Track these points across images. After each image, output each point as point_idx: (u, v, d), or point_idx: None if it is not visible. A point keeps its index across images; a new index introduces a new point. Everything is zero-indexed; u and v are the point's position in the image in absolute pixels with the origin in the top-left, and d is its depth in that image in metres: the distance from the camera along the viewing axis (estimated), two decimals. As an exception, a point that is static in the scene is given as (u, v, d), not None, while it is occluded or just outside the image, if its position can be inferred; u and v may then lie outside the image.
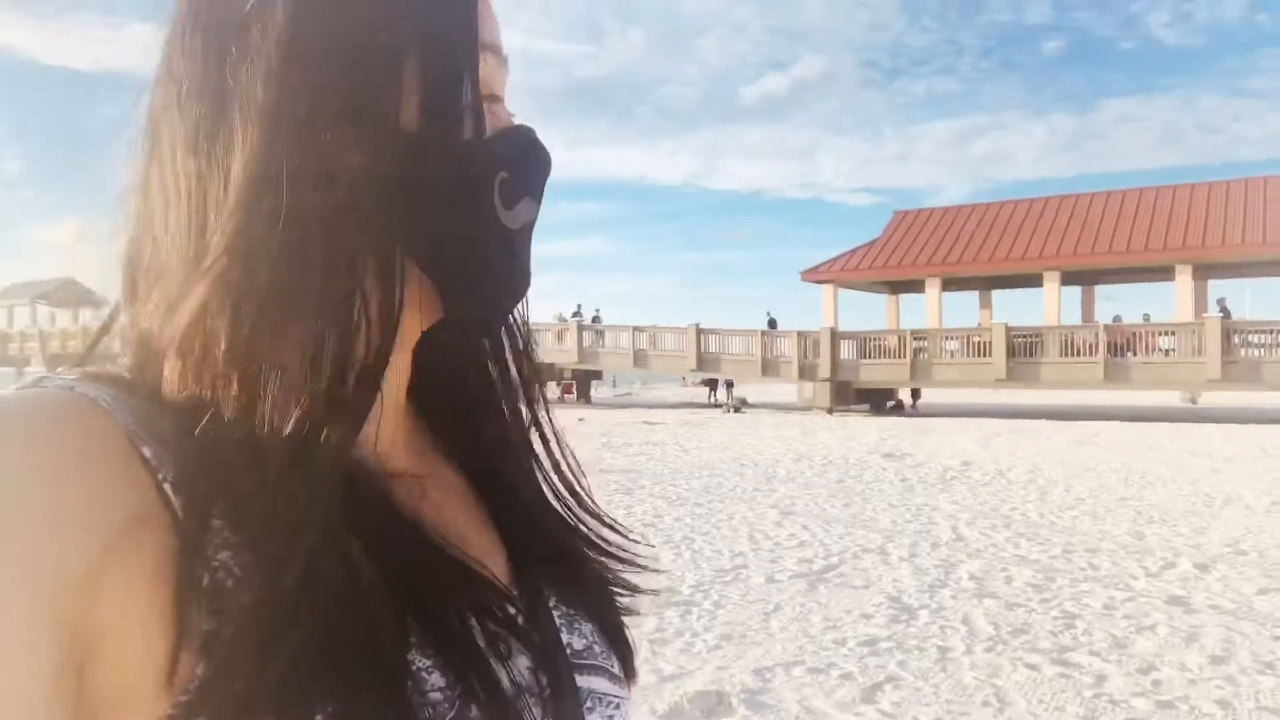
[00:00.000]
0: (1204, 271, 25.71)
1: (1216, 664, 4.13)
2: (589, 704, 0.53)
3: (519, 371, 0.61)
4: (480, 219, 0.49)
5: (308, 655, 0.39)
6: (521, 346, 0.61)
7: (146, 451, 0.40)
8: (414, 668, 0.43)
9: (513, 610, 0.51)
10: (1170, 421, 19.02)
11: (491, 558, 0.54)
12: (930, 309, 28.82)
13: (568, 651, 0.54)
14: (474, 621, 0.47)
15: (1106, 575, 5.83)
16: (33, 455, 0.38)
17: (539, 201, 0.54)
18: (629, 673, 0.59)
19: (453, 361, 0.59)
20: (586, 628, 0.57)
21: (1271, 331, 20.77)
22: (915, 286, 30.42)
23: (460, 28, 0.50)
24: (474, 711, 0.44)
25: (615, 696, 0.56)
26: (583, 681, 0.54)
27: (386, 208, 0.45)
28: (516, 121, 0.54)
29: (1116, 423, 18.54)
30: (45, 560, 0.37)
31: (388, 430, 0.51)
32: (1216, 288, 27.23)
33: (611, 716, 0.55)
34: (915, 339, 25.09)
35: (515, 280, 0.53)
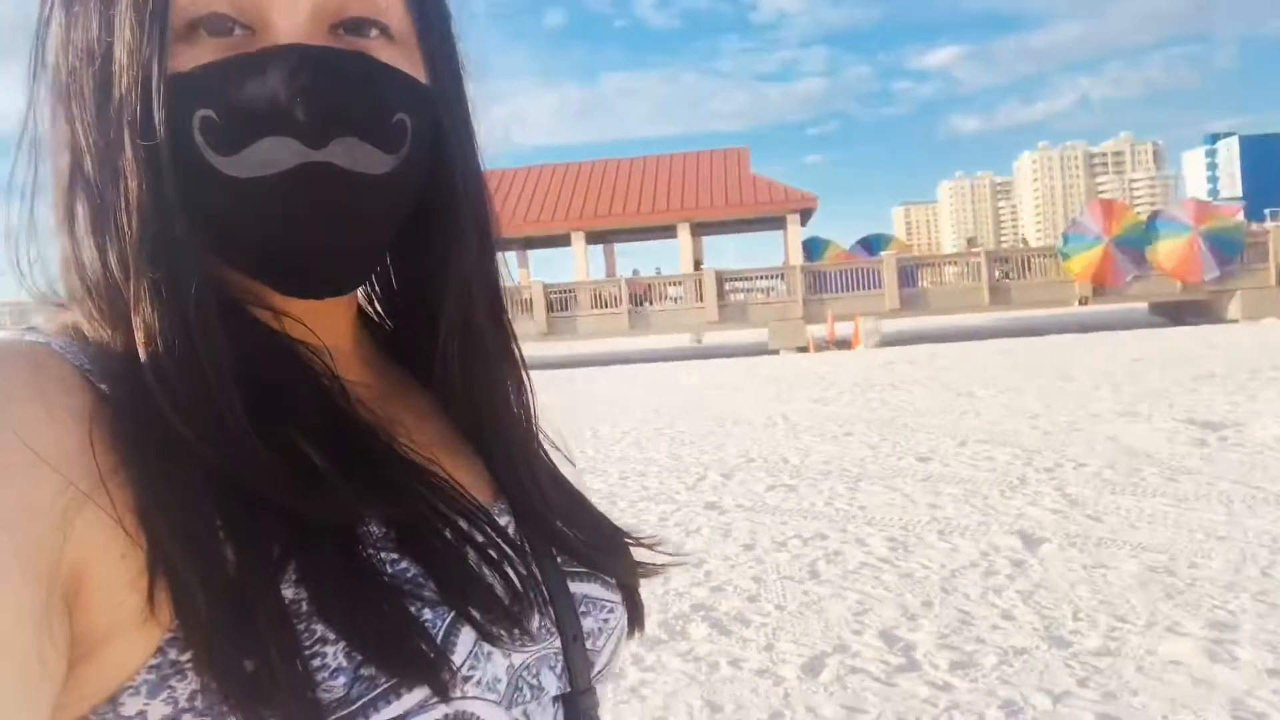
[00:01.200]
0: (699, 229, 29.95)
1: (747, 550, 5.00)
2: (583, 608, 0.55)
3: (480, 320, 0.57)
4: (181, 164, 0.44)
5: (253, 523, 0.41)
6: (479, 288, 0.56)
7: (104, 388, 0.42)
8: (375, 554, 0.45)
9: (499, 520, 0.53)
10: (684, 360, 22.01)
11: (471, 476, 0.55)
12: (471, 271, 29.76)
13: (559, 560, 0.55)
14: (463, 526, 0.49)
15: (656, 493, 6.67)
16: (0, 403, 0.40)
17: (321, 141, 0.45)
18: (635, 613, 0.60)
19: (414, 296, 0.59)
20: (578, 535, 0.58)
21: (752, 278, 25.33)
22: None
23: None
24: (469, 617, 0.45)
25: (608, 601, 0.58)
26: (575, 587, 0.55)
27: (96, 154, 0.45)
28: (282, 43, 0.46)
29: (642, 365, 20.96)
30: (22, 502, 0.38)
31: (339, 353, 0.52)
32: (710, 243, 32.02)
33: (606, 620, 0.57)
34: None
35: (291, 239, 0.47)
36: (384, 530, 0.46)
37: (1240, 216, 24.50)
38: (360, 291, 0.59)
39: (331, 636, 0.41)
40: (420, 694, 0.42)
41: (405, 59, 0.50)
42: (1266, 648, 3.23)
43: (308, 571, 0.42)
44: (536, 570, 0.53)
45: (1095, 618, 3.64)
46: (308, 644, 0.41)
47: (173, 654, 0.40)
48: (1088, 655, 3.30)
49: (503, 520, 0.54)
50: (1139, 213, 24.16)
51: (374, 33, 0.49)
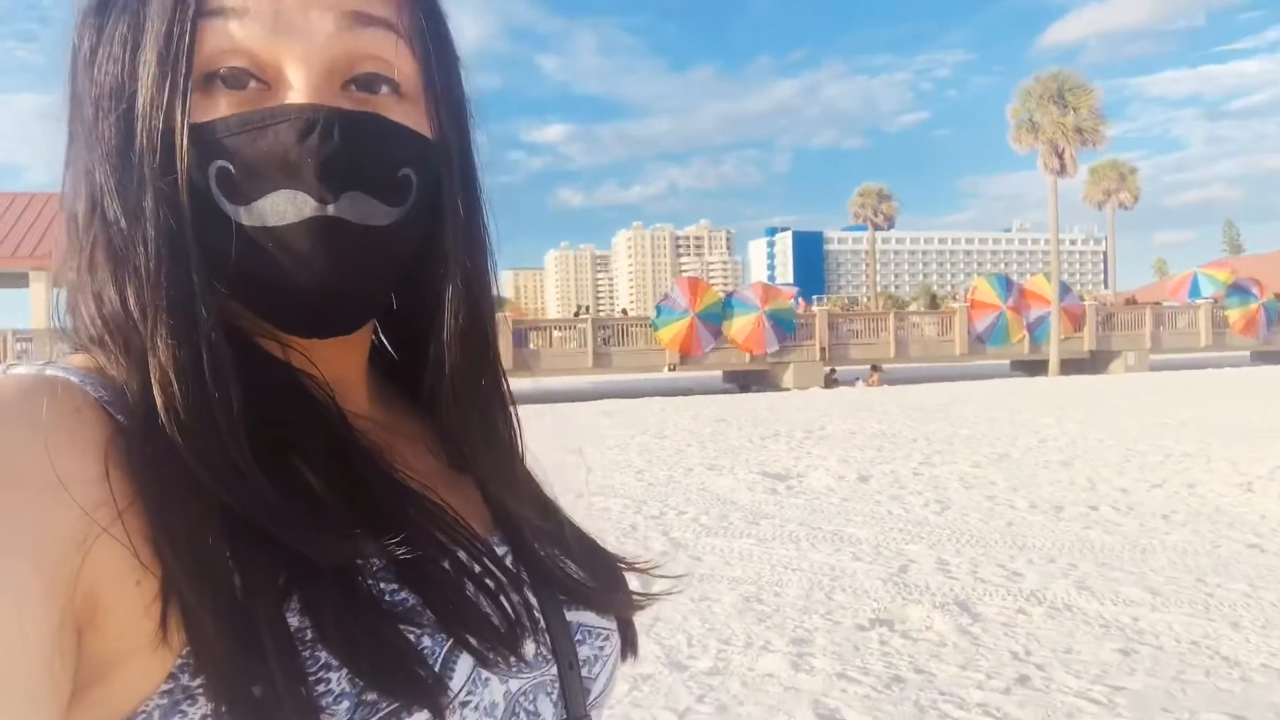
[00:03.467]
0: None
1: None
2: (579, 636, 0.58)
3: (467, 358, 0.59)
4: (197, 212, 0.47)
5: (259, 558, 0.44)
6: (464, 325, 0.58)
7: (120, 420, 0.45)
8: (375, 584, 0.48)
9: (497, 550, 0.56)
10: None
11: (468, 506, 0.58)
12: None
13: (556, 588, 0.58)
14: (461, 557, 0.52)
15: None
16: (19, 431, 0.42)
17: (330, 197, 0.48)
18: (628, 636, 0.64)
19: (411, 339, 0.61)
20: (572, 567, 0.61)
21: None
22: None
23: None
24: (467, 644, 0.48)
25: (604, 629, 0.61)
26: (571, 615, 0.58)
27: (117, 201, 0.48)
28: (295, 101, 0.49)
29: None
30: (45, 526, 0.40)
31: (345, 390, 0.55)
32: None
33: (601, 647, 0.60)
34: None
35: (299, 285, 0.49)
36: (383, 561, 0.48)
37: (794, 300, 29.15)
38: (371, 332, 0.62)
39: (334, 663, 0.44)
40: (420, 717, 0.45)
41: (413, 113, 0.53)
42: (835, 657, 3.97)
43: (310, 601, 0.44)
44: (533, 598, 0.55)
45: (706, 643, 4.18)
46: (312, 670, 0.43)
47: (184, 679, 0.42)
48: (702, 675, 3.79)
49: (500, 550, 0.57)
50: (718, 291, 27.78)
51: (384, 89, 0.52)
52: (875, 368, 27.02)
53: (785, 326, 26.80)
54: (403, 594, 0.48)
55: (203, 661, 0.42)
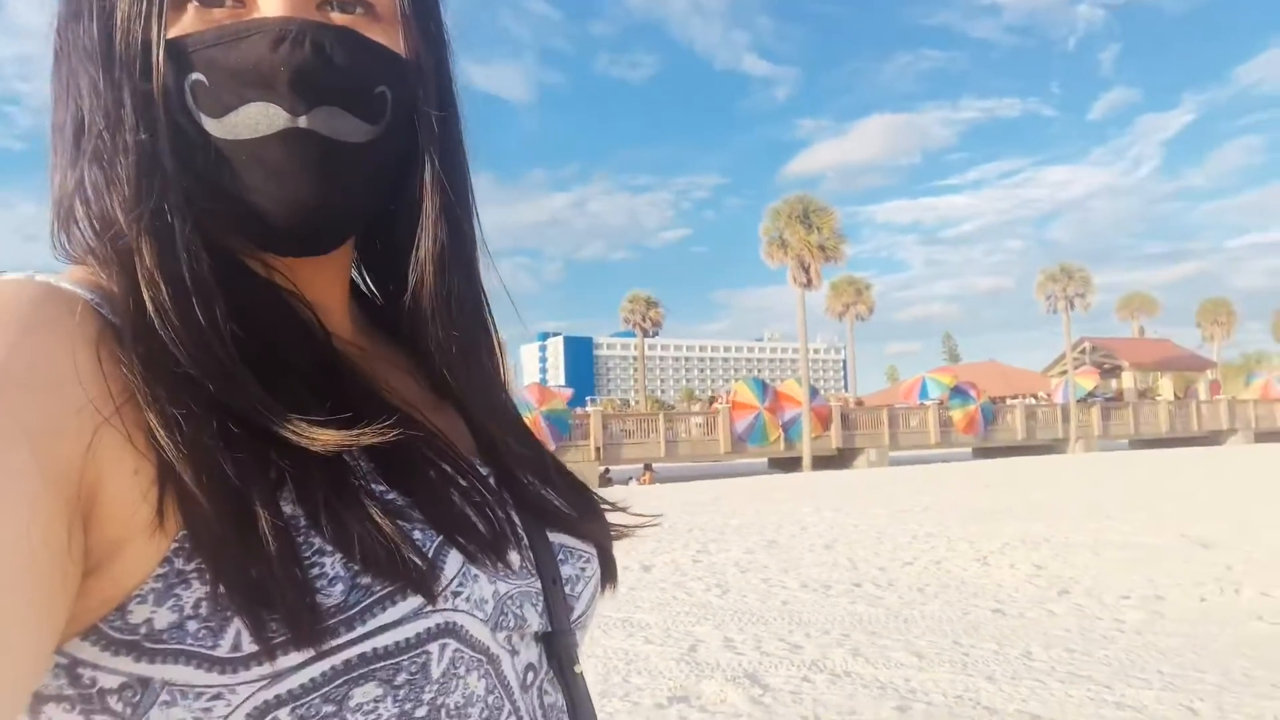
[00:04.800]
0: None
1: None
2: (561, 556, 0.59)
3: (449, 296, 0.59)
4: (173, 125, 0.48)
5: (251, 445, 0.45)
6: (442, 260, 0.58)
7: (112, 319, 0.46)
8: (387, 498, 0.48)
9: (483, 470, 0.57)
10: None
11: (453, 432, 0.58)
12: None
13: (537, 509, 0.59)
14: (447, 469, 0.53)
15: None
16: (14, 331, 0.42)
17: (303, 109, 0.49)
18: (607, 565, 0.65)
19: (397, 259, 0.60)
20: (552, 492, 0.63)
21: None
22: None
23: None
24: (456, 541, 0.49)
25: (584, 551, 0.62)
26: (553, 536, 0.60)
27: (101, 113, 0.49)
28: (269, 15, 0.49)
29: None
30: (46, 420, 0.40)
31: (327, 311, 0.55)
32: None
33: (583, 569, 0.61)
34: None
35: (273, 199, 0.50)
36: (371, 464, 0.49)
37: (568, 402, 29.55)
38: (351, 263, 0.63)
39: (329, 548, 0.44)
40: (414, 602, 0.45)
41: (389, 34, 0.53)
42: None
43: (303, 489, 0.45)
44: (515, 515, 0.57)
45: None
46: (307, 554, 0.44)
47: (179, 563, 0.42)
48: None
49: (484, 471, 0.58)
50: (561, 400, 27.97)
51: (359, 10, 0.52)
52: (647, 467, 27.73)
53: (561, 427, 27.02)
54: (392, 494, 0.49)
55: (200, 544, 0.42)
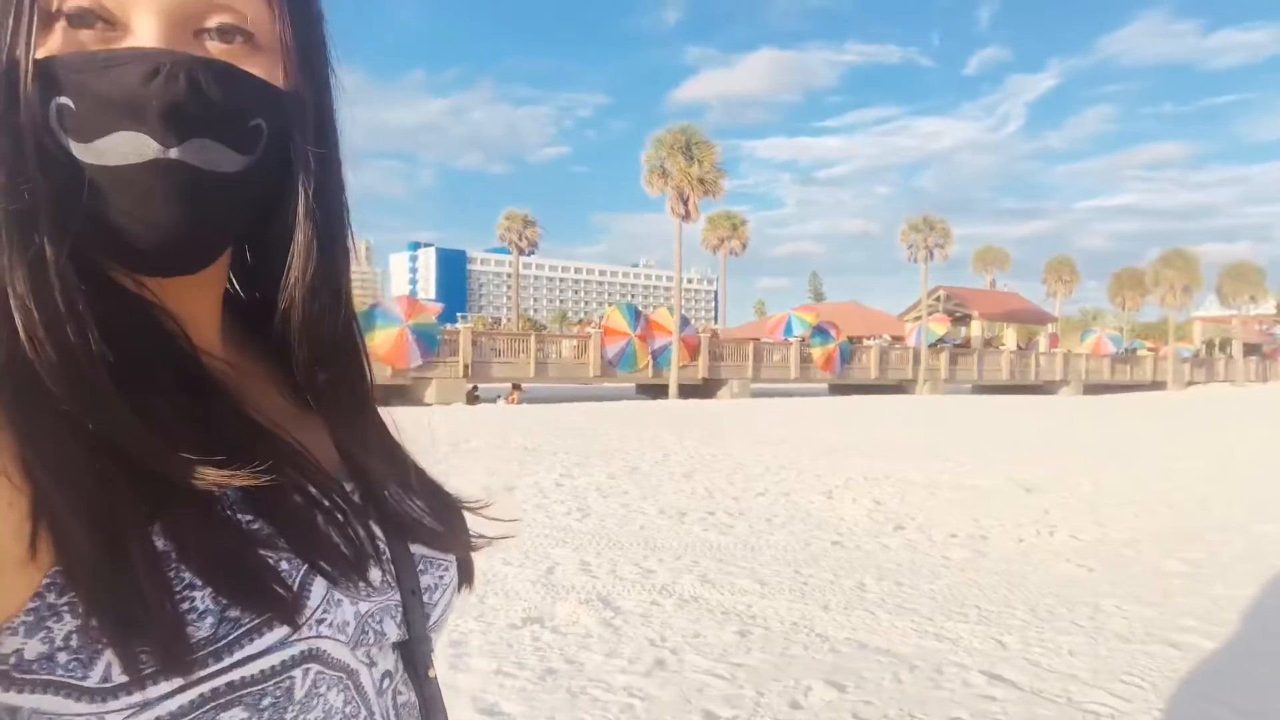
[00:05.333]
0: None
1: None
2: (421, 566, 0.61)
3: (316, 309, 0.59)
4: (38, 146, 0.47)
5: (124, 479, 0.45)
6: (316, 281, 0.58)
7: None
8: (252, 527, 0.49)
9: (344, 486, 0.58)
10: None
11: (318, 448, 0.58)
12: None
13: (400, 523, 0.61)
14: (311, 490, 0.54)
15: None
16: None
17: (174, 141, 0.48)
18: (465, 569, 0.67)
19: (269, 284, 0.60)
20: (416, 503, 0.64)
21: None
22: None
23: None
24: (320, 568, 0.51)
25: (443, 559, 0.64)
26: (414, 547, 0.62)
27: None
28: (145, 46, 0.48)
29: None
30: None
31: (198, 330, 0.55)
32: None
33: (441, 577, 0.63)
34: None
35: (139, 225, 0.49)
36: (237, 491, 0.49)
37: (438, 316, 28.99)
38: (224, 276, 0.61)
39: (198, 582, 0.45)
40: (280, 633, 0.47)
41: (267, 64, 0.53)
42: (490, 655, 4.04)
43: (172, 524, 0.46)
44: (377, 530, 0.58)
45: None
46: (178, 588, 0.45)
47: (50, 598, 0.43)
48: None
49: (347, 486, 0.59)
50: (361, 302, 26.98)
51: (238, 39, 0.51)
52: (516, 386, 27.69)
53: (429, 342, 26.54)
54: (258, 523, 0.50)
55: (74, 578, 0.43)
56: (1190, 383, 53.75)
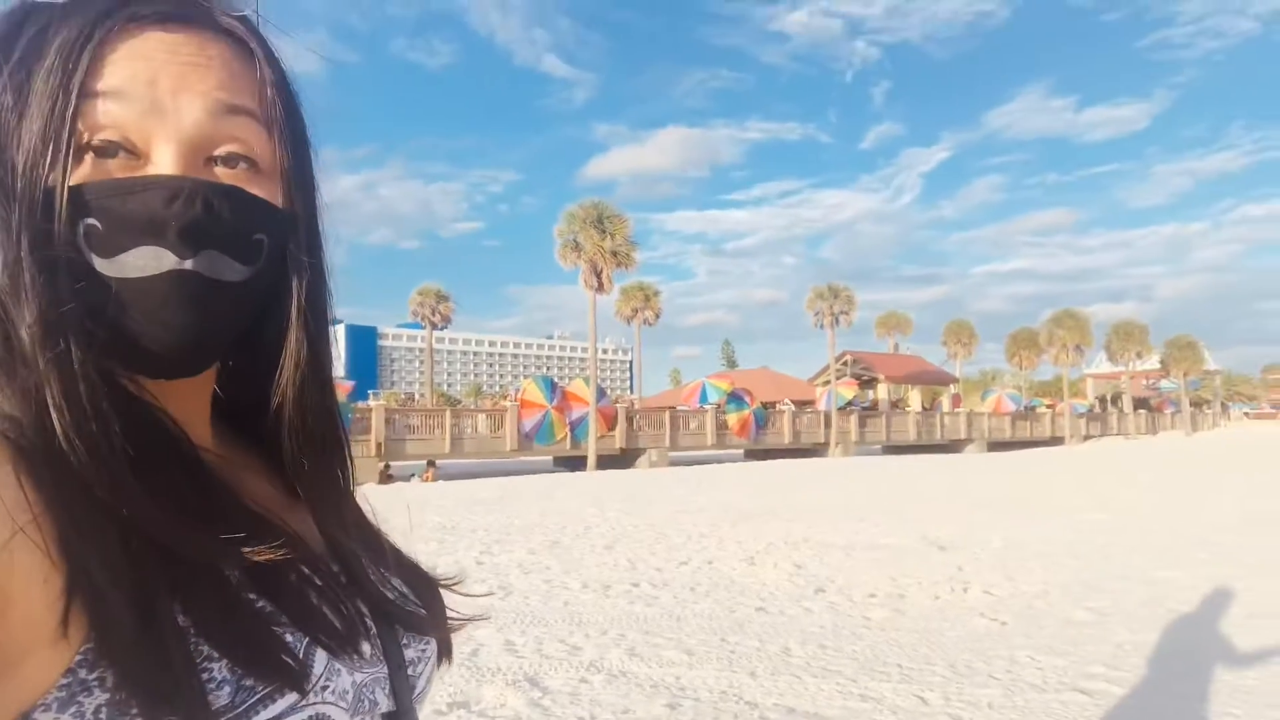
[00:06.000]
0: None
1: None
2: (405, 640, 0.66)
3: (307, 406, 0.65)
4: (67, 264, 0.52)
5: (150, 561, 0.49)
6: (305, 376, 0.64)
7: (24, 443, 0.50)
8: (257, 605, 0.54)
9: (334, 568, 0.64)
10: None
11: (303, 529, 0.64)
12: None
13: (386, 596, 0.66)
14: (304, 570, 0.59)
15: None
16: None
17: (188, 253, 0.54)
18: (444, 643, 0.72)
19: (262, 385, 0.65)
20: (396, 582, 0.70)
21: None
22: None
23: (49, 75, 0.53)
24: (320, 641, 0.56)
25: (424, 635, 0.69)
26: (398, 624, 0.66)
27: None
28: (162, 174, 0.55)
29: None
30: None
31: (193, 428, 0.60)
32: None
33: (424, 650, 0.68)
34: None
35: (154, 331, 0.54)
36: (241, 573, 0.55)
37: (349, 395, 28.36)
38: (213, 379, 0.66)
39: (216, 655, 0.50)
40: (290, 699, 0.52)
41: (268, 185, 0.60)
42: None
43: (191, 602, 0.50)
44: (364, 607, 0.64)
45: None
46: (198, 660, 0.49)
47: (82, 674, 0.46)
48: None
49: (335, 568, 0.64)
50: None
51: (242, 165, 0.59)
52: (431, 463, 27.16)
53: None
54: (261, 601, 0.55)
55: (107, 651, 0.46)
56: (1087, 436, 56.09)
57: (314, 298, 0.64)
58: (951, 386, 54.68)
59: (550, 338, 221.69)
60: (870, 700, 4.48)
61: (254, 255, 0.59)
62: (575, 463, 31.88)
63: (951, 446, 45.86)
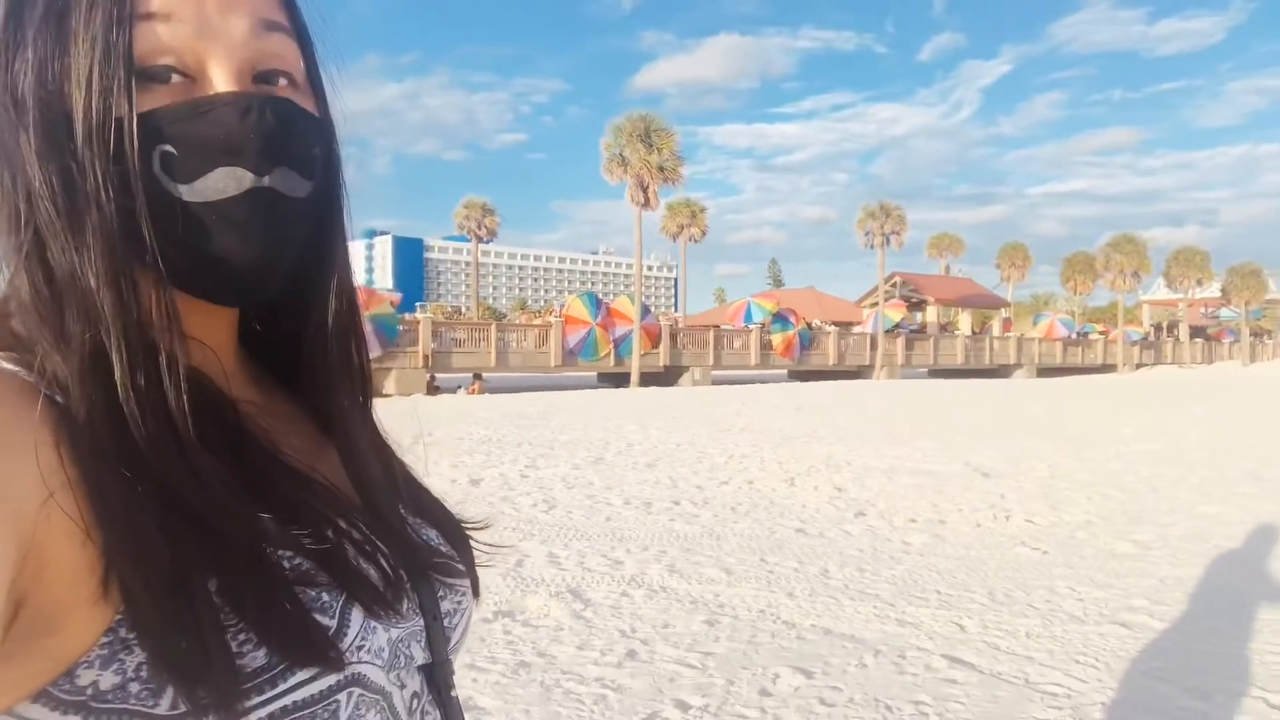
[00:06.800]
0: None
1: None
2: (441, 592, 0.65)
3: (342, 337, 0.64)
4: (145, 194, 0.50)
5: (187, 537, 0.49)
6: (342, 310, 0.64)
7: (61, 401, 0.49)
8: (294, 564, 0.53)
9: (369, 518, 0.62)
10: None
11: (337, 475, 0.63)
12: None
13: (421, 546, 0.65)
14: (342, 525, 0.58)
15: None
16: None
17: (266, 170, 0.53)
18: (475, 584, 0.70)
19: (285, 318, 0.64)
20: (432, 533, 0.68)
21: None
22: None
23: (91, 5, 0.51)
24: (358, 598, 0.55)
25: (460, 584, 0.67)
26: (435, 575, 0.65)
27: (39, 182, 0.51)
28: (228, 90, 0.53)
29: None
30: (6, 480, 0.44)
31: (224, 367, 0.59)
32: None
33: (459, 601, 0.67)
34: None
35: (236, 254, 0.53)
36: (278, 528, 0.54)
37: (396, 306, 28.72)
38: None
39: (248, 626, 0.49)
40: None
41: (305, 101, 0.59)
42: (463, 650, 4.07)
43: (227, 577, 0.49)
44: (401, 560, 0.62)
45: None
46: (232, 625, 0.48)
47: (122, 632, 0.46)
48: (329, 680, 3.68)
49: (369, 517, 0.63)
50: (389, 302, 26.72)
51: (283, 81, 0.58)
52: (477, 376, 27.55)
53: (388, 332, 26.30)
54: (298, 559, 0.54)
55: (138, 626, 0.46)
56: (1139, 365, 55.11)
57: (344, 217, 0.64)
58: (1003, 310, 53.76)
59: (595, 253, 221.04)
60: (908, 625, 4.53)
61: (313, 169, 0.58)
62: (618, 379, 32.12)
63: (1000, 371, 45.34)
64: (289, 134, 0.55)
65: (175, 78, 0.53)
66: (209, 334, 0.58)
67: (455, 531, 0.71)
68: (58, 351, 0.49)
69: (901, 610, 4.79)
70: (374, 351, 25.56)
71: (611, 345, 31.69)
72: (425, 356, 27.29)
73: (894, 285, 48.97)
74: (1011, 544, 6.46)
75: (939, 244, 59.50)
